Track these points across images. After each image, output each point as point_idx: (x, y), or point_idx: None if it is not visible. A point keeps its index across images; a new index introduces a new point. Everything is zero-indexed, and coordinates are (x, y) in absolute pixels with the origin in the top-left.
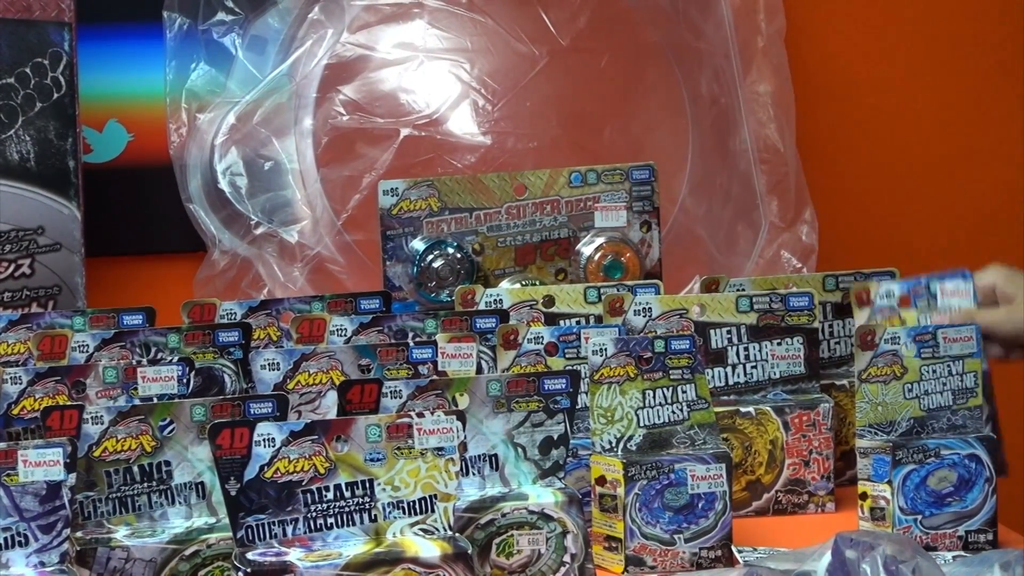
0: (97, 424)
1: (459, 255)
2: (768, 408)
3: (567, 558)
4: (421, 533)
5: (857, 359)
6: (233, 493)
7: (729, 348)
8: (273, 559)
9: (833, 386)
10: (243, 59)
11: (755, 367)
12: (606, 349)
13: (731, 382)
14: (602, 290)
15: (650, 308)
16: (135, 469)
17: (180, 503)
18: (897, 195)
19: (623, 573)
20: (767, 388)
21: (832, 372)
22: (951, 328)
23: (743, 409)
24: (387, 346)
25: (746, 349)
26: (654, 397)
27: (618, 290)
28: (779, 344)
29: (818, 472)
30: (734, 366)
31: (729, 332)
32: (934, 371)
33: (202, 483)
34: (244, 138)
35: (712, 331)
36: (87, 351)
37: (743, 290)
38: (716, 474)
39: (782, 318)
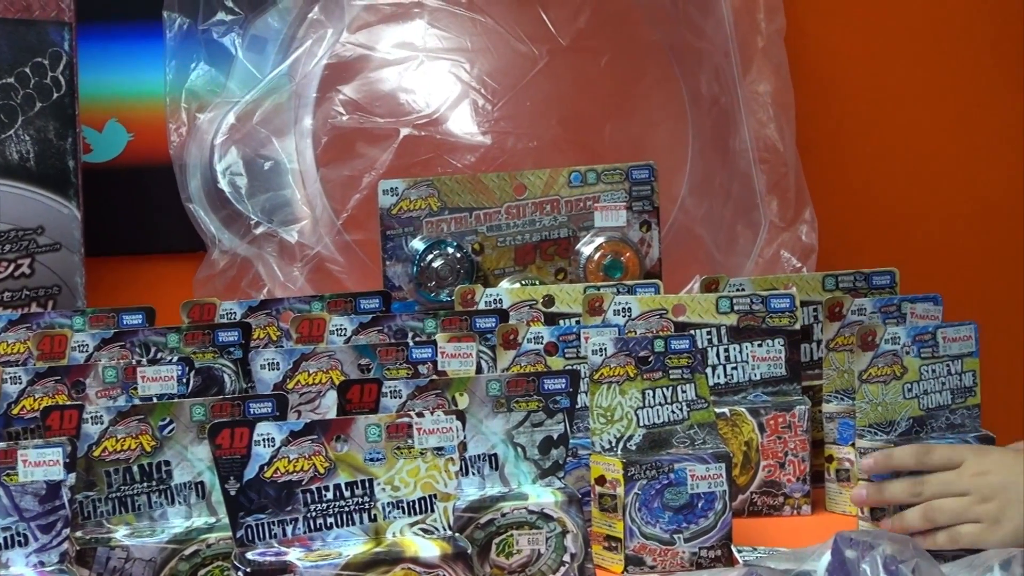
0: (97, 424)
1: (459, 255)
2: (743, 409)
3: (567, 558)
4: (421, 533)
5: (857, 360)
6: (233, 493)
7: (710, 349)
8: (273, 559)
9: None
10: (243, 59)
11: (735, 368)
12: (606, 349)
13: (711, 383)
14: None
15: (630, 308)
16: (135, 469)
17: (180, 503)
18: (897, 195)
19: (623, 573)
20: (747, 389)
21: (819, 372)
22: (950, 327)
23: (718, 410)
24: (387, 346)
25: (726, 350)
26: (654, 397)
27: (597, 289)
28: (760, 345)
29: (793, 474)
30: (715, 367)
31: (709, 333)
32: (933, 371)
33: (202, 483)
34: (244, 138)
35: (693, 332)
36: (87, 351)
37: (743, 290)
38: (716, 474)
39: (763, 319)
